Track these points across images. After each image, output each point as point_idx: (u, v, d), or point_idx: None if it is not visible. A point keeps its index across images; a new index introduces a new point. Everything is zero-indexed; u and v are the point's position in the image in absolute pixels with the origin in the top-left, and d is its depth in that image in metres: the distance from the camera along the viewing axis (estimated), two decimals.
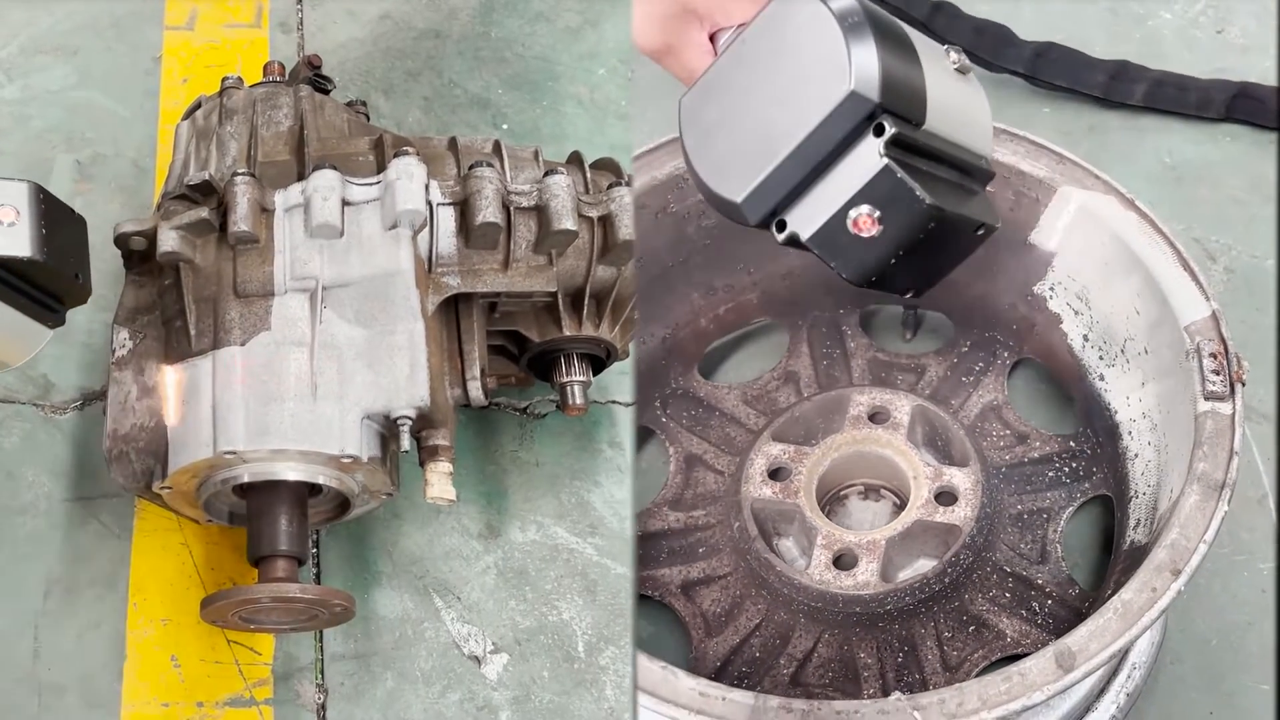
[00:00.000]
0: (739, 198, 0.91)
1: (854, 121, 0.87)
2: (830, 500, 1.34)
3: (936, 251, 0.92)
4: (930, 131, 0.90)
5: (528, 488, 1.40)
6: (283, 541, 1.17)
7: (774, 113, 0.90)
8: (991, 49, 1.71)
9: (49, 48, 1.70)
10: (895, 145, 0.86)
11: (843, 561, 1.26)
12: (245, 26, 1.73)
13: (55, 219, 1.05)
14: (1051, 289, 1.37)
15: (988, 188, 1.01)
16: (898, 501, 1.33)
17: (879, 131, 0.87)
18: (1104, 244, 1.29)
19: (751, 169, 0.90)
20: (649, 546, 1.34)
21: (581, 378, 1.31)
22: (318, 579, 1.33)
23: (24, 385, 1.43)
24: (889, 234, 0.88)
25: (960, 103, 0.93)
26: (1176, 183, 1.62)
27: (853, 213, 0.88)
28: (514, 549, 1.36)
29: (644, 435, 1.44)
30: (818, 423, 1.36)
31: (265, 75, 1.38)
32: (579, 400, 1.31)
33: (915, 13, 1.71)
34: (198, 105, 1.35)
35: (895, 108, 0.87)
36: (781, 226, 0.91)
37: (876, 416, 1.34)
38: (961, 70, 0.95)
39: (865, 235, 0.88)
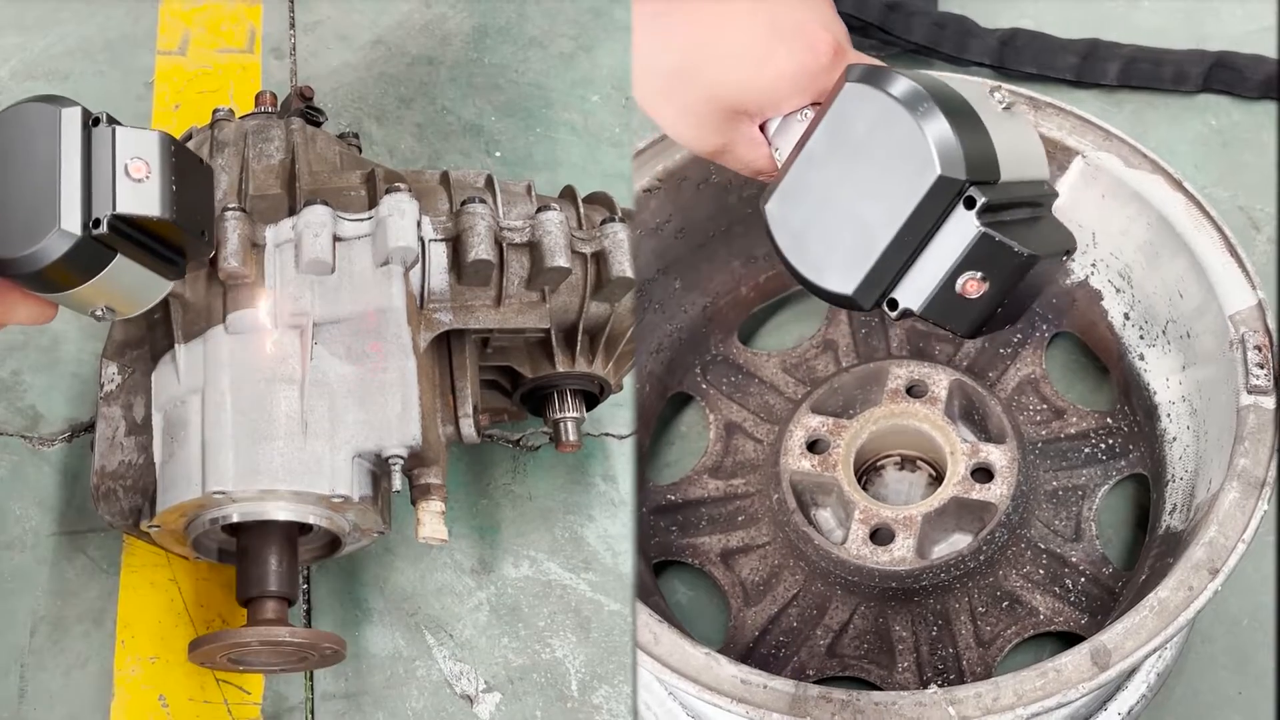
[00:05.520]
0: (850, 290, 0.96)
1: (945, 201, 0.92)
2: (867, 470, 1.35)
3: (1032, 285, 0.97)
4: (1005, 183, 0.94)
5: (520, 522, 1.39)
6: (272, 582, 1.16)
7: (864, 207, 0.94)
8: (955, 43, 1.67)
9: (41, 73, 1.69)
10: (984, 210, 0.91)
11: (879, 536, 1.27)
12: (238, 52, 1.72)
13: (185, 173, 1.02)
14: (1093, 265, 1.36)
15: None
16: (934, 473, 1.34)
17: (970, 204, 0.91)
18: (1149, 224, 1.28)
19: (855, 263, 0.95)
20: (689, 514, 1.36)
21: (575, 414, 1.30)
22: (308, 616, 1.32)
23: (11, 416, 1.42)
24: (993, 289, 0.94)
25: (1017, 142, 0.97)
26: (1223, 148, 1.60)
27: (960, 279, 0.93)
28: (507, 585, 1.35)
29: (683, 401, 1.45)
30: (856, 395, 1.36)
31: (257, 105, 1.37)
32: (572, 437, 1.30)
33: (868, 16, 1.67)
34: (189, 137, 1.34)
35: (976, 177, 0.92)
36: (893, 305, 0.96)
37: (914, 390, 1.34)
38: (1008, 108, 0.98)
39: (973, 297, 0.94)
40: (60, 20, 1.73)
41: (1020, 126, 1.00)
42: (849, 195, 0.95)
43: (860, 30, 1.68)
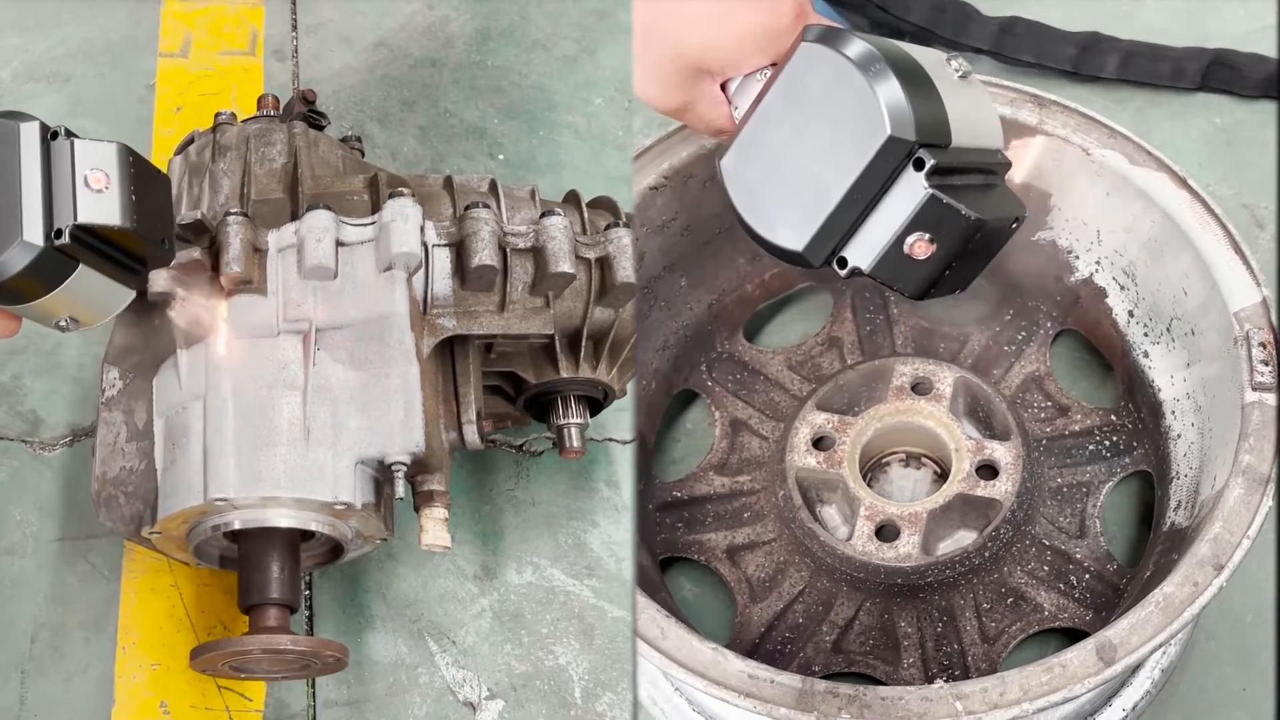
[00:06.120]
0: (800, 247, 0.98)
1: (895, 161, 0.93)
2: (872, 467, 1.35)
3: (981, 251, 0.99)
4: (956, 148, 0.96)
5: (524, 528, 1.38)
6: (274, 589, 1.16)
7: (816, 165, 0.96)
8: (954, 27, 1.67)
9: (42, 75, 1.68)
10: (934, 173, 0.93)
11: (885, 533, 1.27)
12: (240, 54, 1.72)
13: (143, 182, 1.03)
14: (1097, 262, 1.36)
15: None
16: (938, 470, 1.34)
17: (919, 165, 0.93)
18: (1154, 222, 1.28)
19: (806, 220, 0.97)
20: (695, 510, 1.36)
21: (579, 420, 1.29)
22: (310, 623, 1.31)
23: (12, 421, 1.41)
24: (941, 251, 0.95)
25: (972, 110, 0.99)
26: (1227, 146, 1.60)
27: (908, 240, 0.95)
28: (510, 591, 1.34)
29: (689, 398, 1.45)
30: (861, 392, 1.36)
31: (259, 108, 1.36)
32: (576, 443, 1.29)
33: None
34: (190, 140, 1.33)
35: (927, 139, 0.94)
36: (842, 263, 0.98)
37: (919, 387, 1.34)
38: (964, 77, 1.00)
39: (921, 258, 0.95)
40: (61, 22, 1.73)
41: (976, 95, 1.01)
42: (802, 153, 0.97)
43: (859, 9, 1.67)
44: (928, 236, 0.95)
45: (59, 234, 0.97)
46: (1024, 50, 1.65)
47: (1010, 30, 1.66)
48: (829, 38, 0.96)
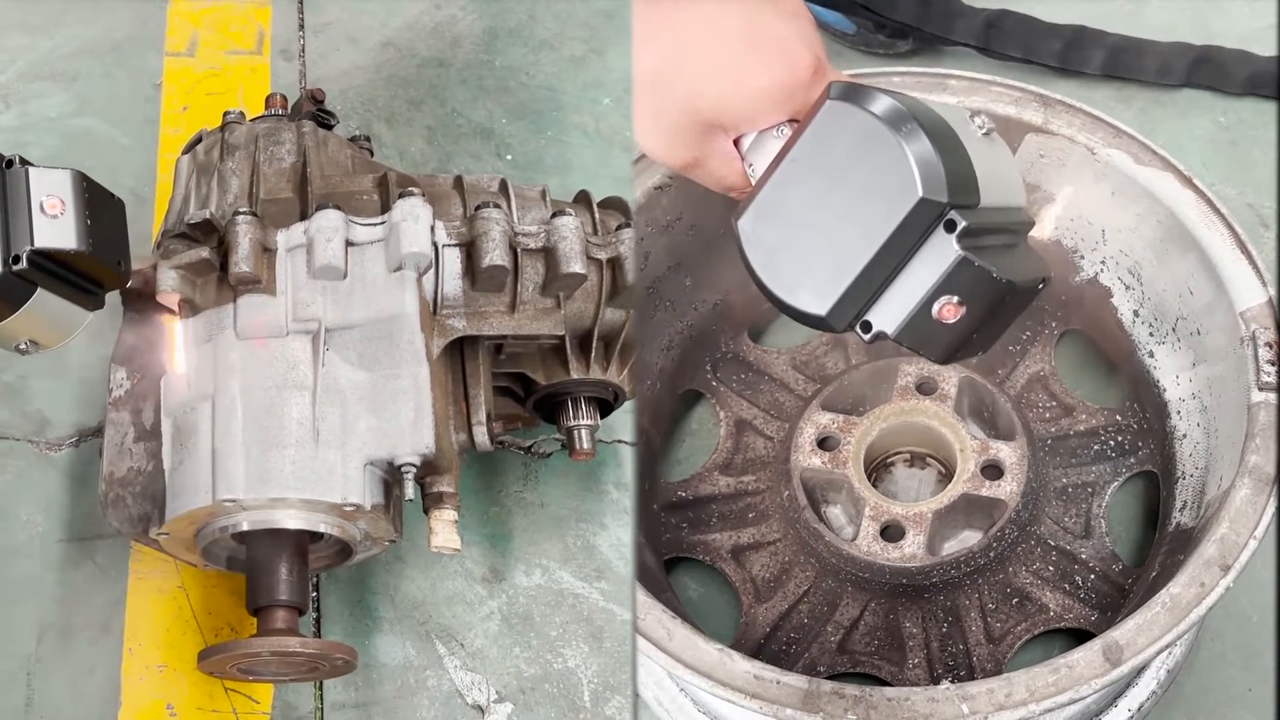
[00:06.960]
0: (823, 311, 0.94)
1: (925, 223, 0.90)
2: (877, 467, 1.35)
3: (1007, 313, 0.96)
4: (984, 208, 0.93)
5: (532, 530, 1.38)
6: (283, 591, 1.15)
7: (841, 226, 0.93)
8: (940, 22, 1.64)
9: (48, 74, 1.68)
10: (964, 235, 0.90)
11: (890, 533, 1.27)
12: (246, 53, 1.71)
13: (98, 207, 1.06)
14: (1102, 262, 1.36)
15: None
16: (943, 470, 1.34)
17: (950, 227, 0.90)
18: (1159, 221, 1.28)
19: (830, 283, 0.93)
20: (700, 510, 1.36)
21: (589, 421, 1.29)
22: (318, 625, 1.30)
23: (19, 421, 1.40)
24: (970, 315, 0.93)
25: (996, 168, 0.97)
26: (1231, 145, 1.59)
27: (936, 304, 0.92)
28: (518, 593, 1.34)
29: (693, 398, 1.44)
30: (866, 392, 1.36)
31: (267, 108, 1.36)
32: (586, 445, 1.28)
33: None
34: (198, 139, 1.32)
35: (957, 200, 0.91)
36: (866, 327, 0.94)
37: (924, 387, 1.34)
38: (987, 134, 0.98)
39: (950, 321, 0.92)
40: (66, 21, 1.72)
41: (999, 152, 0.99)
42: (826, 214, 0.93)
43: (845, 8, 1.65)
44: (957, 300, 0.92)
45: (17, 259, 1.01)
46: (1010, 45, 1.63)
47: (997, 24, 1.64)
48: (855, 95, 0.93)
